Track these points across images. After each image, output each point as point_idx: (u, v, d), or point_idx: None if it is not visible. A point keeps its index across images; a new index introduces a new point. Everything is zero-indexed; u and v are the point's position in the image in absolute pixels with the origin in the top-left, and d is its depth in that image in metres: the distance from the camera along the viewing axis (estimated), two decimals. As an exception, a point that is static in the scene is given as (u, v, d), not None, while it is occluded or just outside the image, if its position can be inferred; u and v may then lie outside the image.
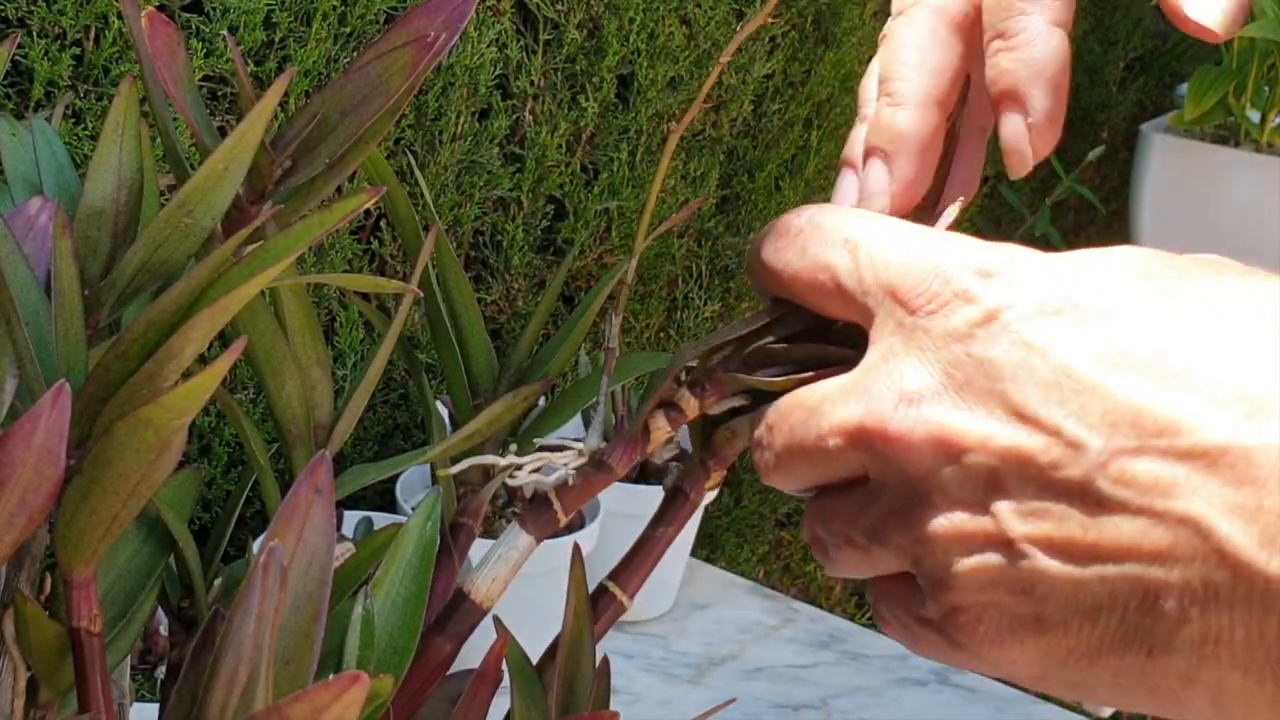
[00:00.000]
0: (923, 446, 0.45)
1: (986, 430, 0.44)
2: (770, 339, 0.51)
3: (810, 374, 0.49)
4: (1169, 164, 1.88)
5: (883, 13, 1.70)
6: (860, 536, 0.47)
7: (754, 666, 1.25)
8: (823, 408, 0.48)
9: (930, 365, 0.45)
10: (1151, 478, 0.42)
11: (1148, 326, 0.43)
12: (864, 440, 0.46)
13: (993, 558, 0.44)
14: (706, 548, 1.60)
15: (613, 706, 0.57)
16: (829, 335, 0.50)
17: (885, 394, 0.46)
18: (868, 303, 0.47)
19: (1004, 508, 0.44)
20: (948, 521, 0.45)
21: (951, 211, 0.53)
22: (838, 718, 1.19)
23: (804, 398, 0.49)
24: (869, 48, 1.68)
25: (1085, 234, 2.23)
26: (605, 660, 0.56)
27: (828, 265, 0.48)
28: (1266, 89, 1.83)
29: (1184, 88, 1.90)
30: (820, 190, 1.68)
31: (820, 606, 1.34)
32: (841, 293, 0.48)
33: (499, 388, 0.62)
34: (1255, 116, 1.85)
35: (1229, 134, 1.88)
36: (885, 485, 0.46)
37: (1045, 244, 2.07)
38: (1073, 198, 2.09)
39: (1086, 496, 0.43)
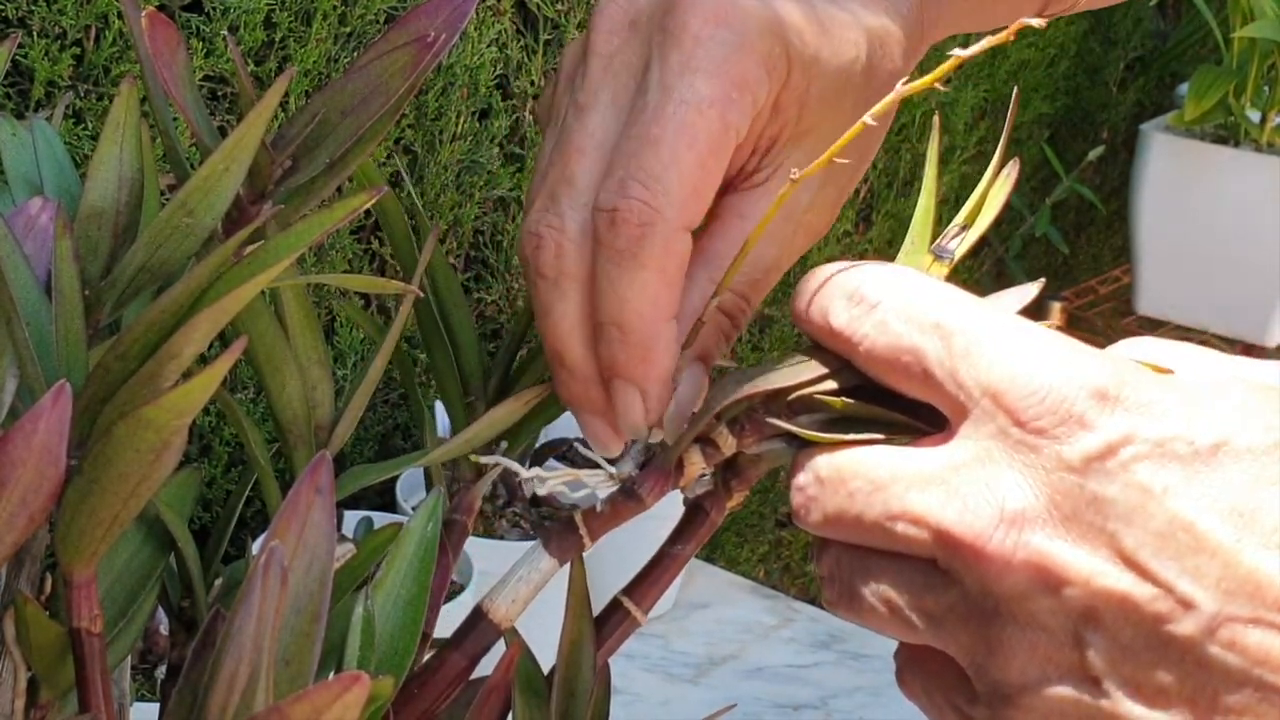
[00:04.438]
0: (1020, 571, 0.44)
1: (1091, 568, 0.43)
2: (819, 390, 0.49)
3: (865, 437, 0.48)
4: (1169, 164, 1.88)
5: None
6: (913, 613, 0.46)
7: (754, 666, 1.25)
8: (893, 488, 0.46)
9: (1036, 487, 0.44)
10: (1264, 651, 0.42)
11: (1271, 490, 0.43)
12: (950, 545, 0.45)
13: (1071, 690, 0.44)
14: (706, 547, 1.60)
15: (613, 706, 0.56)
16: (884, 393, 0.48)
17: (984, 507, 0.44)
18: (960, 397, 0.45)
19: (1096, 644, 0.43)
20: (1031, 644, 0.44)
21: (961, 240, 0.52)
22: (838, 717, 1.19)
23: (869, 466, 0.47)
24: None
25: (1085, 234, 2.23)
26: (606, 664, 0.56)
27: (914, 349, 0.46)
28: (1266, 89, 1.83)
29: (1184, 88, 1.90)
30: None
31: (820, 606, 1.34)
32: (928, 379, 0.46)
33: (489, 385, 0.62)
34: (1255, 116, 1.85)
35: (1229, 134, 1.88)
36: (959, 584, 0.45)
37: (1045, 244, 2.08)
38: (1073, 197, 2.09)
39: (1188, 655, 0.43)
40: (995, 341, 0.45)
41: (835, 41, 0.56)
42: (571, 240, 0.53)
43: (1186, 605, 0.42)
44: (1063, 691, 0.44)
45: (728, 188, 0.56)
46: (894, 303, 0.47)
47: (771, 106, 0.54)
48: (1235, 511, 0.42)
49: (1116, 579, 0.43)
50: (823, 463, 0.48)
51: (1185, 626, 0.42)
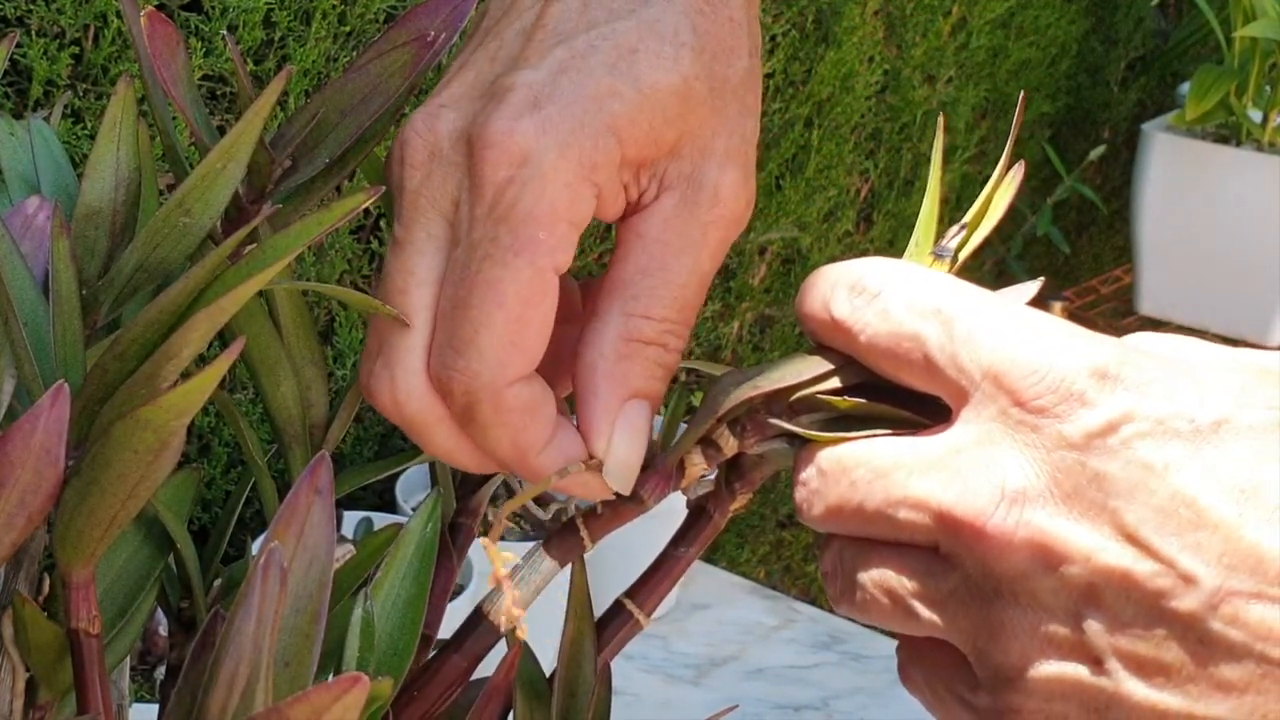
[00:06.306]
0: (1021, 550, 0.44)
1: (1092, 545, 0.43)
2: (821, 389, 0.49)
3: (868, 434, 0.48)
4: (1170, 163, 1.87)
5: (884, 12, 1.70)
6: (915, 601, 0.46)
7: (755, 667, 1.25)
8: (895, 475, 0.46)
9: (1037, 465, 0.44)
10: (1266, 626, 0.42)
11: (1273, 467, 0.43)
12: (951, 527, 0.45)
13: (1074, 669, 0.44)
14: (707, 548, 1.60)
15: (613, 707, 0.56)
16: (886, 391, 0.48)
17: (984, 487, 0.44)
18: (961, 381, 0.45)
19: (1097, 623, 0.43)
20: (1032, 625, 0.44)
21: (962, 241, 0.52)
22: (839, 718, 1.19)
23: (870, 456, 0.47)
24: (869, 47, 1.68)
25: (1087, 233, 2.23)
26: (607, 665, 0.56)
27: (915, 335, 0.46)
28: (1268, 88, 1.83)
29: (1185, 87, 1.90)
30: (821, 190, 1.68)
31: (821, 607, 1.34)
32: (929, 366, 0.46)
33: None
34: (1257, 116, 1.85)
35: (1230, 133, 1.88)
36: (960, 568, 0.45)
37: (1047, 243, 2.07)
38: (1074, 197, 2.09)
39: (1190, 631, 0.42)
40: (996, 326, 0.45)
41: (652, 61, 0.51)
42: (403, 392, 0.52)
43: (1188, 581, 0.42)
44: (1064, 671, 0.44)
45: (625, 216, 0.53)
46: (895, 292, 0.47)
47: (619, 166, 0.51)
48: (1237, 487, 0.43)
49: (1117, 555, 0.43)
50: (824, 455, 0.48)
51: (1186, 602, 0.42)
